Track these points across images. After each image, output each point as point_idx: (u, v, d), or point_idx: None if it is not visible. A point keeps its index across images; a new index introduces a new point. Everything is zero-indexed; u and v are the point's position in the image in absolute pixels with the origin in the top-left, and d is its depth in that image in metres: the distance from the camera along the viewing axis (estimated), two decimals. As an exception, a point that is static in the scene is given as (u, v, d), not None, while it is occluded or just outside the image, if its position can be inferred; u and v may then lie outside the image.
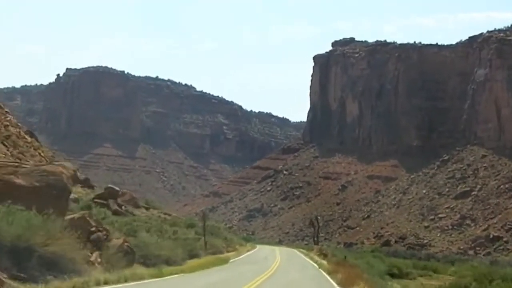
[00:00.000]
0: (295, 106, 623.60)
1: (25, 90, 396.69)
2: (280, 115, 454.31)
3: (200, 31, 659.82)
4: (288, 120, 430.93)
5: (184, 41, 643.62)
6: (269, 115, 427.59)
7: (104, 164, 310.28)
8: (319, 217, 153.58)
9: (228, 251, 67.92)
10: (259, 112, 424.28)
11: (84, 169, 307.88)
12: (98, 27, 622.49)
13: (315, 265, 59.56)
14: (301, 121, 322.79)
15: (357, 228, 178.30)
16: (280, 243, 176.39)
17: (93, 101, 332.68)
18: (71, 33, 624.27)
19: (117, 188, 64.08)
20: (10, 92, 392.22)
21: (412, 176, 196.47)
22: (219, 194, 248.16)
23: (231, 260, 56.33)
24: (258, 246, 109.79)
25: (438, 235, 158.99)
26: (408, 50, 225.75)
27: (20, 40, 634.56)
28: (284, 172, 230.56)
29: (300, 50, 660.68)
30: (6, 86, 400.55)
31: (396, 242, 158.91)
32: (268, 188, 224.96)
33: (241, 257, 66.42)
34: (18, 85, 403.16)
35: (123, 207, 59.29)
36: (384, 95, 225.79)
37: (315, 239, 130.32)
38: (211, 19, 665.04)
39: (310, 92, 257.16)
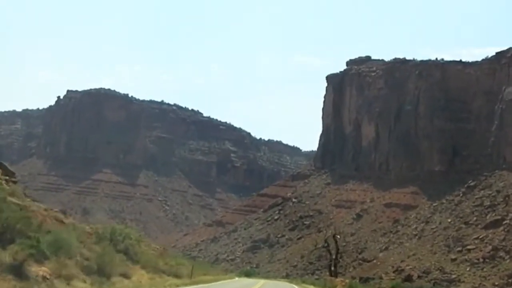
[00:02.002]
0: (306, 135, 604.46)
1: (26, 114, 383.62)
2: (291, 144, 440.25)
3: (208, 61, 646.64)
4: (298, 148, 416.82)
5: (192, 69, 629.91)
6: (279, 143, 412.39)
7: (103, 191, 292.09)
8: (338, 236, 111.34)
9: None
10: (269, 140, 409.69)
11: (81, 196, 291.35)
12: (104, 51, 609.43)
13: None
14: (312, 150, 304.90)
15: (374, 261, 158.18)
16: (287, 277, 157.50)
17: (94, 125, 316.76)
18: (75, 56, 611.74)
19: None
20: (11, 116, 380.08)
21: (434, 204, 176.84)
22: (223, 223, 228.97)
23: None
24: (237, 279, 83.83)
25: (468, 269, 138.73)
26: (430, 67, 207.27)
27: (24, 64, 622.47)
28: (293, 200, 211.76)
29: (313, 78, 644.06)
30: (7, 109, 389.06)
31: (419, 277, 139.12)
32: (276, 217, 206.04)
33: None
34: (19, 109, 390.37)
35: None
36: (403, 117, 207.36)
37: (333, 268, 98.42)
38: (221, 49, 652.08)
39: (323, 115, 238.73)
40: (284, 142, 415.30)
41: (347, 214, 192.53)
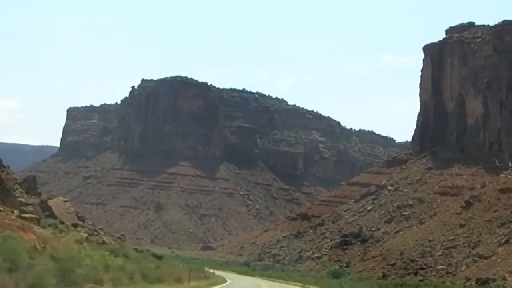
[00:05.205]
0: (399, 124, 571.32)
1: (103, 109, 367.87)
2: (384, 134, 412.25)
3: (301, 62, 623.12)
4: (392, 139, 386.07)
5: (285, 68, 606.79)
6: (371, 133, 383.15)
7: (179, 185, 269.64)
8: None
9: None
10: (360, 130, 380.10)
11: (155, 191, 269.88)
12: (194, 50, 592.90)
13: None
14: (406, 141, 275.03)
15: (493, 258, 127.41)
16: (384, 278, 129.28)
17: (170, 115, 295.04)
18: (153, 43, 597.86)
19: None
20: (88, 111, 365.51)
21: None
22: (308, 216, 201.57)
23: None
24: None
25: None
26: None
27: (104, 60, 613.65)
28: (389, 187, 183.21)
29: (407, 66, 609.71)
30: (85, 104, 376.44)
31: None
32: (369, 208, 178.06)
33: None
34: (97, 104, 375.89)
35: None
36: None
37: None
38: (314, 50, 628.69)
39: (420, 91, 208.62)
40: (377, 132, 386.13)
41: (453, 202, 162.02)
